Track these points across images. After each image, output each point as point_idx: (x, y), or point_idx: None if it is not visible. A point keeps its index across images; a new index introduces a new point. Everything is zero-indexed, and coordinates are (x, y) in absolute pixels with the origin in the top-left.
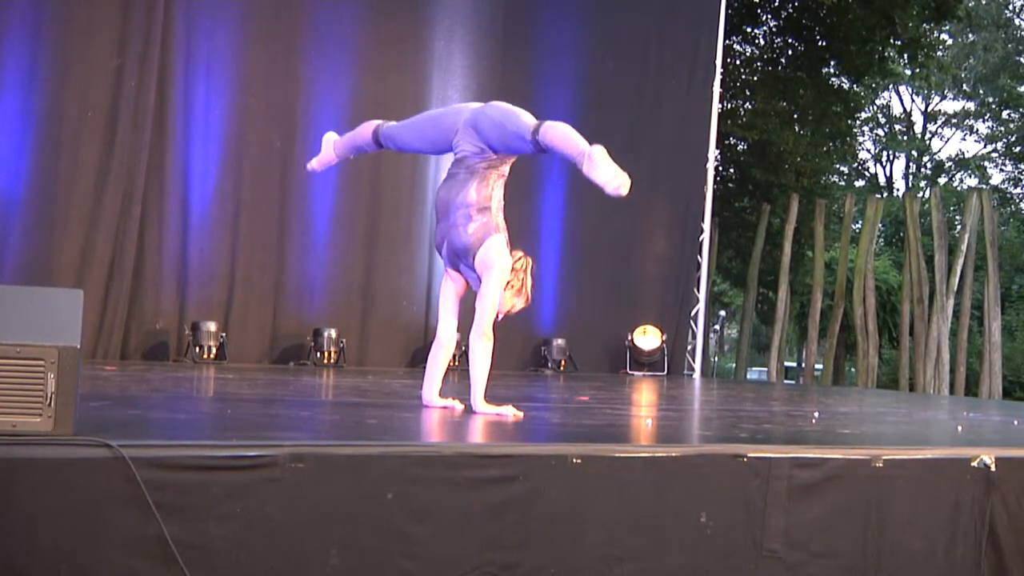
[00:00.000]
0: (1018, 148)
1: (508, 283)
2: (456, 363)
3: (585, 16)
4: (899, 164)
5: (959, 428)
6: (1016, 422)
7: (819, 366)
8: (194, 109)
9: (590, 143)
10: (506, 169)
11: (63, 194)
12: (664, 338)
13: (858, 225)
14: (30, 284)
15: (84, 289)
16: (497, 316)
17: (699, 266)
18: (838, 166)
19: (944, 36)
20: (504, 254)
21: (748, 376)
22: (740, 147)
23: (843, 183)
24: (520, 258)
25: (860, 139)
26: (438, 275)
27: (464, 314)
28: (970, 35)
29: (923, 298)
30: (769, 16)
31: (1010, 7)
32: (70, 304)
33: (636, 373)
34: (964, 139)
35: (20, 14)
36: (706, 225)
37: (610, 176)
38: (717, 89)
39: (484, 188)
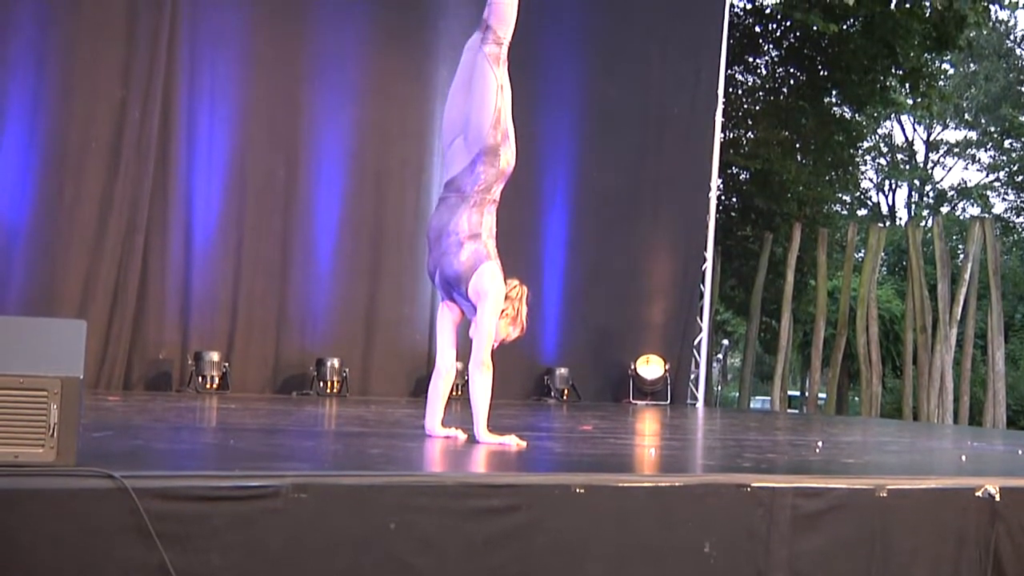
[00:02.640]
0: (1020, 177)
1: (503, 311)
2: (458, 392)
3: (587, 46)
4: (901, 193)
5: (963, 458)
6: (1021, 452)
7: (822, 395)
8: (197, 139)
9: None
10: (497, 193)
11: (66, 224)
12: (667, 367)
13: (861, 254)
14: (33, 313)
15: (87, 319)
16: (492, 345)
17: (702, 295)
18: (840, 195)
19: (945, 66)
20: (498, 281)
21: (751, 405)
22: (742, 176)
23: (845, 212)
24: (515, 286)
25: (862, 168)
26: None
27: (462, 343)
28: (971, 65)
29: (926, 327)
30: (771, 46)
31: (1011, 37)
32: (73, 335)
33: (639, 402)
34: (966, 168)
35: (25, 45)
36: (709, 254)
37: None
38: (719, 118)
39: (475, 214)
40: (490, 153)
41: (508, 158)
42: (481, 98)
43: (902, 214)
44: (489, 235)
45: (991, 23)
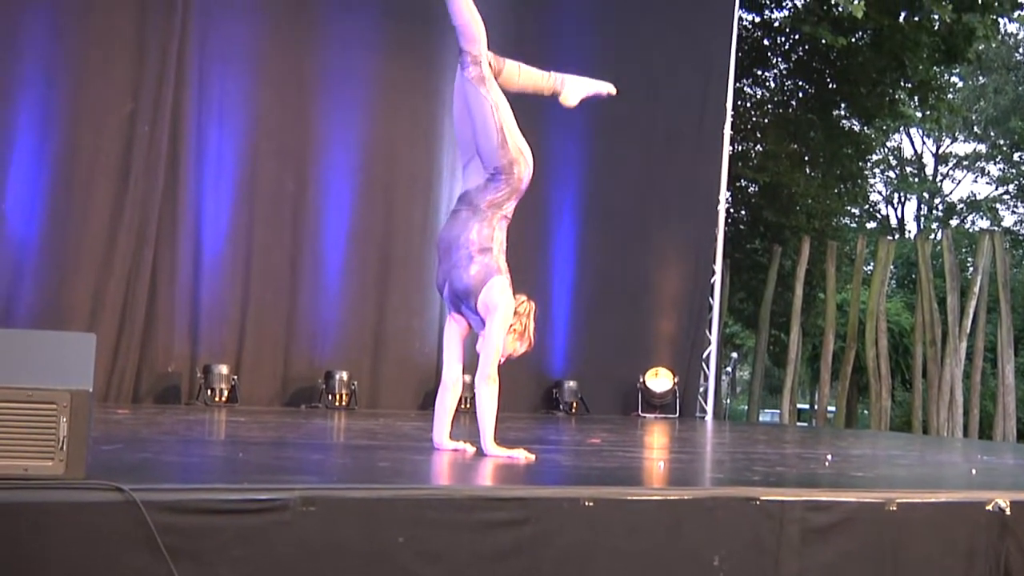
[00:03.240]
0: None
1: (510, 326)
2: (466, 405)
3: (595, 59)
4: (910, 206)
5: (973, 471)
6: None
7: (831, 408)
8: (206, 153)
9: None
10: (510, 210)
11: (76, 237)
12: (676, 380)
13: (870, 267)
14: (42, 327)
15: (96, 332)
16: (500, 359)
17: (711, 308)
18: (849, 208)
19: (954, 79)
20: (507, 295)
21: (760, 418)
22: (751, 189)
23: (854, 225)
24: (523, 302)
25: (871, 181)
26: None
27: (469, 356)
28: (980, 78)
29: (936, 340)
30: (779, 59)
31: (1020, 50)
32: (82, 348)
33: (648, 415)
34: (975, 181)
35: (35, 59)
36: (718, 267)
37: (591, 90)
38: (728, 132)
39: (486, 228)
40: (505, 171)
41: (523, 174)
42: (482, 123)
43: (911, 227)
44: (500, 250)
45: (1000, 36)
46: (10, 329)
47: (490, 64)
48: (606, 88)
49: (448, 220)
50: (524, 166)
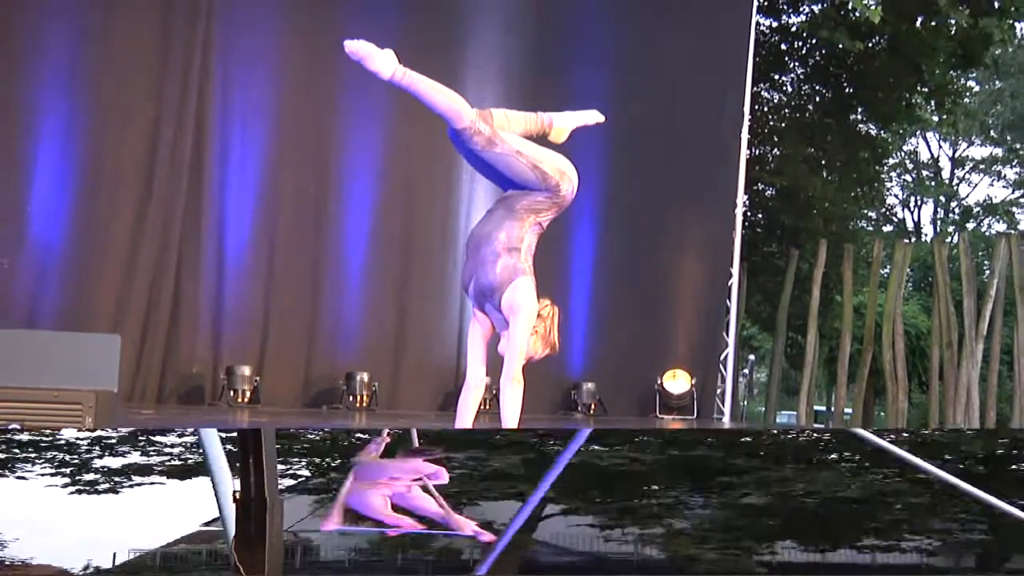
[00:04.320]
0: None
1: (533, 329)
2: (486, 407)
3: (613, 63)
4: (927, 209)
5: None
6: None
7: (848, 410)
8: (229, 158)
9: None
10: (546, 220)
11: (101, 241)
12: (694, 382)
13: (886, 270)
14: (68, 329)
15: (121, 333)
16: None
17: (728, 310)
18: (866, 211)
19: (971, 83)
20: (532, 297)
21: (777, 420)
22: (768, 193)
23: (871, 228)
24: (547, 306)
25: (888, 185)
26: (469, 319)
27: (491, 357)
28: (997, 82)
29: (952, 343)
30: (796, 63)
31: None
32: (108, 349)
33: (666, 417)
34: (992, 185)
35: (58, 65)
36: (735, 270)
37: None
38: (745, 135)
39: (517, 229)
40: (553, 190)
41: (566, 191)
42: (514, 174)
43: (928, 230)
44: (528, 252)
45: (1017, 40)
46: (36, 331)
47: (485, 121)
48: (594, 118)
49: (483, 218)
50: (567, 183)
